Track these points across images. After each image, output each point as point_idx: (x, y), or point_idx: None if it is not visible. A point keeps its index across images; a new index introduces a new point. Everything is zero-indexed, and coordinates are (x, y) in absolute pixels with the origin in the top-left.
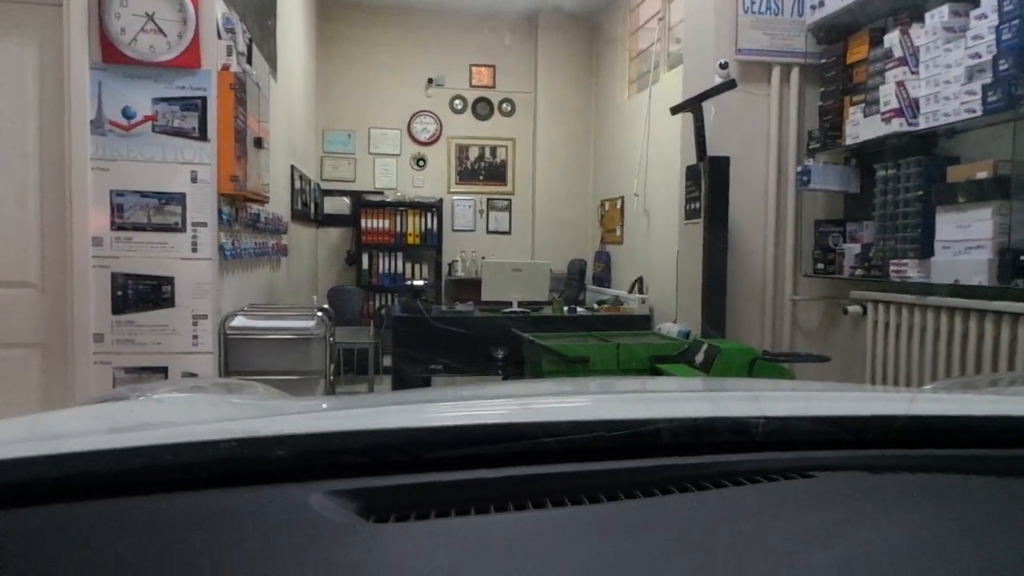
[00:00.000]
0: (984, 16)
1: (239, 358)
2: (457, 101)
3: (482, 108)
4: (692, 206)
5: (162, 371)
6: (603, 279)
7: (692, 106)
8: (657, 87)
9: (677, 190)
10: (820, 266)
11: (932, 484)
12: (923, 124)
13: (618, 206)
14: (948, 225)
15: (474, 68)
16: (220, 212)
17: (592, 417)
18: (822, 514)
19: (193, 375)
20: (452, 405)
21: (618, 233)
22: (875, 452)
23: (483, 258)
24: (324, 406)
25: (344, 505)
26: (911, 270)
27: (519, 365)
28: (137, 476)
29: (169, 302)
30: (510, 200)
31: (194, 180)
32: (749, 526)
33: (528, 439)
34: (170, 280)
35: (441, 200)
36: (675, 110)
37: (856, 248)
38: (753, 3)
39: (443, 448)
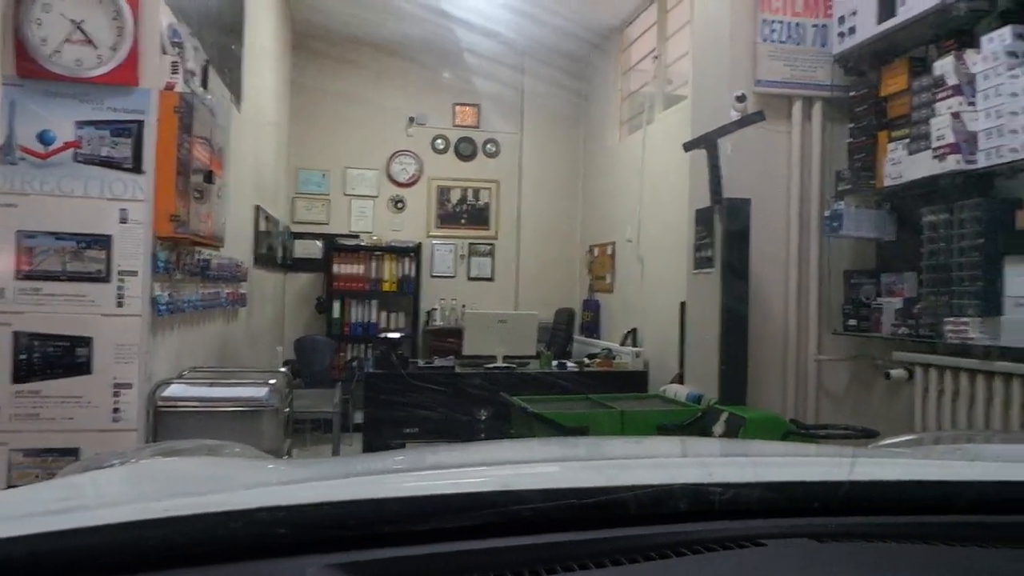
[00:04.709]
0: None
1: (172, 436)
2: (439, 141)
3: (465, 148)
4: (703, 254)
5: (72, 453)
6: (592, 329)
7: (707, 142)
8: (652, 128)
9: (676, 236)
10: (852, 322)
11: (874, 552)
12: (983, 161)
13: (608, 252)
14: (1021, 279)
15: (458, 107)
16: (155, 258)
17: (566, 485)
18: None
19: None
20: (437, 473)
21: (608, 280)
22: (822, 519)
23: (464, 306)
24: (309, 473)
25: None
26: (973, 330)
27: (505, 431)
28: (137, 553)
29: (85, 368)
30: (493, 245)
31: (124, 220)
32: None
33: (509, 508)
34: (87, 341)
35: (420, 244)
36: (688, 146)
37: (896, 303)
38: (772, 32)
39: (433, 519)
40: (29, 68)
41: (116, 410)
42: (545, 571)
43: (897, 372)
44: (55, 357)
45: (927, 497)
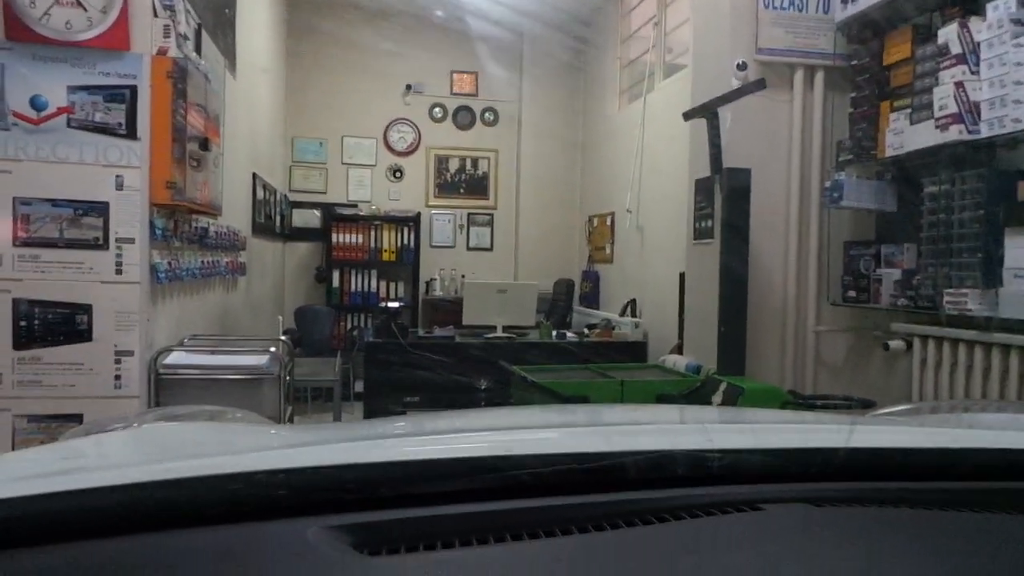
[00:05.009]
0: None
1: (174, 403)
2: (437, 109)
3: (463, 117)
4: (703, 224)
5: (76, 419)
6: (591, 299)
7: (708, 111)
8: (652, 96)
9: (675, 206)
10: (851, 294)
11: (871, 517)
12: (986, 132)
13: (608, 222)
14: (1021, 251)
15: (455, 74)
16: (153, 225)
17: (565, 451)
18: (771, 546)
19: None
20: (437, 438)
21: (608, 251)
22: (819, 485)
23: (463, 276)
24: (309, 437)
25: (340, 539)
26: (972, 301)
27: (505, 400)
28: (138, 513)
29: (85, 335)
30: (492, 215)
31: (120, 187)
32: (706, 558)
33: (509, 472)
34: (87, 308)
35: (419, 214)
36: (688, 115)
37: (896, 274)
38: None
39: (433, 483)
40: (18, 31)
41: (118, 377)
42: (544, 534)
43: (895, 343)
44: (55, 324)
45: (923, 463)
